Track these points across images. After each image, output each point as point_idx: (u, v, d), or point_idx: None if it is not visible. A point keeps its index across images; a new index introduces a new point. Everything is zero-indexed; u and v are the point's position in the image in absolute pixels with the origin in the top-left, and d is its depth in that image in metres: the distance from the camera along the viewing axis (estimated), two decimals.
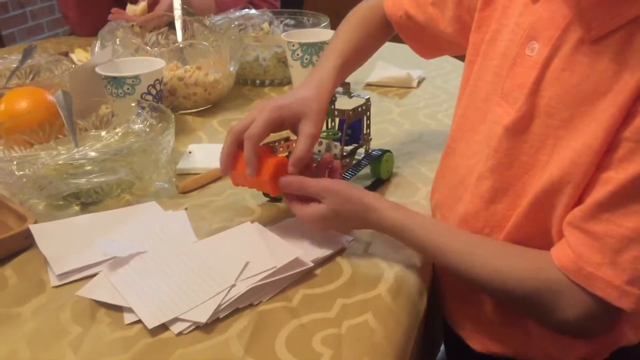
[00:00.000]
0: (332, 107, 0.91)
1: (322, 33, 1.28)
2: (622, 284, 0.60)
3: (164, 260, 0.73)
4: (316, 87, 0.82)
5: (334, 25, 1.37)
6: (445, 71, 1.42)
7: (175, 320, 0.65)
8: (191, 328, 0.64)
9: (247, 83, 1.36)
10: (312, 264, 0.72)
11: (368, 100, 0.92)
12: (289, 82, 1.32)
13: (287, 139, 0.82)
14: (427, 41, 0.93)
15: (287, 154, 0.81)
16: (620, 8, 0.60)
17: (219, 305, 0.66)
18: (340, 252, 0.77)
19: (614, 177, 0.60)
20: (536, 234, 0.69)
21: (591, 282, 0.62)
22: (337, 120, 0.93)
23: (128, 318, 0.66)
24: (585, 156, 0.62)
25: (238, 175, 0.78)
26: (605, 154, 0.61)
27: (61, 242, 0.77)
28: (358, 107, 0.90)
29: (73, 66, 1.21)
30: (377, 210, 0.73)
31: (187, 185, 0.92)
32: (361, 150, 0.93)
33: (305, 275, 0.72)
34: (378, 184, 0.93)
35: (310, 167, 0.81)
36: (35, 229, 0.78)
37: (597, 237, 0.61)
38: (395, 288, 0.70)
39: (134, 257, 0.74)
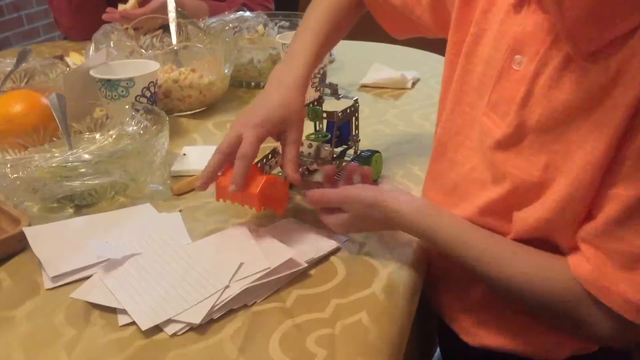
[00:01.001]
0: (319, 108, 0.91)
1: None
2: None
3: (158, 262, 0.73)
4: (293, 86, 0.82)
5: None
6: (440, 72, 1.40)
7: (169, 321, 0.65)
8: (185, 329, 0.64)
9: (242, 85, 1.36)
10: (306, 265, 0.72)
11: (356, 101, 0.92)
12: None
13: (274, 153, 0.83)
14: (400, 22, 0.93)
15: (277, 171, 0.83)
16: (605, 26, 0.59)
17: (213, 306, 0.66)
18: (334, 252, 0.77)
19: (623, 195, 0.60)
20: (539, 245, 0.69)
21: (608, 296, 0.62)
22: (325, 122, 0.93)
23: (122, 320, 0.66)
24: (588, 173, 0.61)
25: (222, 191, 0.78)
26: (610, 170, 0.61)
27: (55, 245, 0.77)
28: (347, 108, 0.90)
29: (67, 69, 1.21)
30: (397, 212, 0.73)
31: (182, 187, 0.92)
32: (350, 152, 0.93)
33: (300, 276, 0.72)
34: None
35: (332, 179, 0.83)
36: (29, 232, 0.78)
37: (611, 253, 0.62)
38: (389, 287, 0.70)
39: (128, 258, 0.74)
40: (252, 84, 1.35)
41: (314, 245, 0.77)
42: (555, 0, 0.60)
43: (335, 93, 0.91)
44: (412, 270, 0.75)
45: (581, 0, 0.59)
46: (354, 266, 0.74)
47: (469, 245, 0.71)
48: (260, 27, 1.44)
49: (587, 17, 0.59)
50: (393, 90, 1.34)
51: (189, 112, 1.20)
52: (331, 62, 1.48)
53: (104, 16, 1.44)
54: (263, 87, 1.32)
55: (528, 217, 0.68)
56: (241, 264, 0.71)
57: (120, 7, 1.45)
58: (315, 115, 0.91)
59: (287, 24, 1.47)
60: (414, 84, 1.36)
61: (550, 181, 0.65)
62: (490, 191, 0.71)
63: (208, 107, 1.23)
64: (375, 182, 0.94)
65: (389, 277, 0.72)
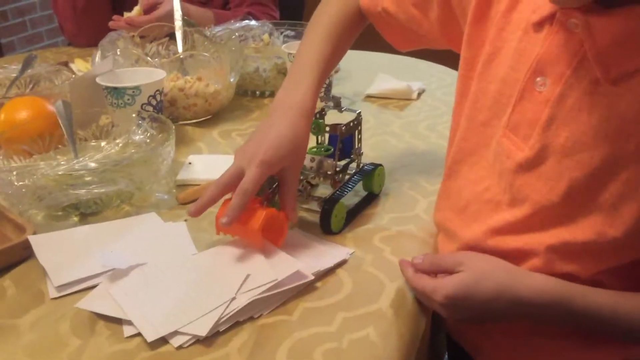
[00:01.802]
0: (322, 121, 0.89)
1: None
2: None
3: (164, 273, 0.73)
4: (301, 119, 0.79)
5: None
6: (446, 83, 1.42)
7: (175, 333, 0.64)
8: (191, 341, 0.64)
9: (247, 94, 1.36)
10: (312, 277, 0.72)
11: (359, 114, 0.90)
12: None
13: (271, 184, 0.80)
14: (405, 35, 0.92)
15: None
16: (637, 52, 0.59)
17: (219, 319, 0.65)
18: (341, 264, 0.76)
19: None
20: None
21: None
22: (327, 135, 0.91)
23: (127, 331, 0.65)
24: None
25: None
26: None
27: (60, 254, 0.77)
28: (350, 122, 0.88)
29: (73, 76, 1.21)
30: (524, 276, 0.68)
31: (187, 196, 0.91)
32: (352, 165, 0.91)
33: (306, 288, 0.72)
34: (371, 198, 0.92)
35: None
36: (35, 240, 0.78)
37: None
38: (396, 302, 0.70)
39: (134, 268, 0.74)
40: (258, 92, 1.35)
41: (320, 257, 0.77)
42: (584, 24, 0.60)
43: (338, 106, 0.90)
44: None
45: (612, 24, 0.59)
46: (361, 279, 0.74)
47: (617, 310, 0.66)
48: (265, 36, 1.44)
49: (618, 41, 0.59)
50: (398, 101, 1.34)
51: (194, 121, 1.20)
52: (336, 71, 1.48)
53: (110, 24, 1.44)
54: (268, 96, 1.35)
55: (549, 241, 0.67)
56: (248, 275, 0.70)
57: (126, 14, 1.45)
58: (318, 129, 0.89)
59: (293, 33, 1.47)
60: (419, 94, 1.36)
61: (571, 207, 0.64)
62: (505, 212, 0.70)
63: (213, 116, 1.23)
64: (377, 195, 0.93)
65: (397, 291, 0.72)
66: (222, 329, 0.65)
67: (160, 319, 0.65)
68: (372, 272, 0.75)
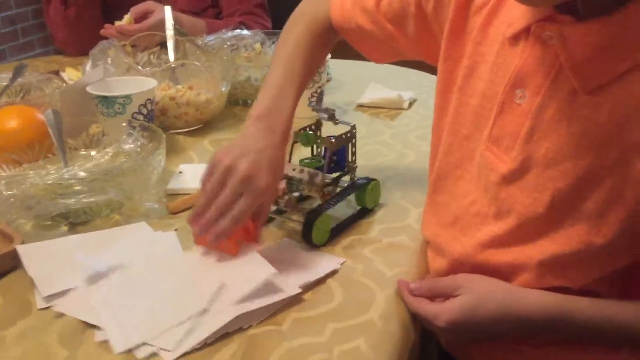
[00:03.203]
0: (312, 134, 0.88)
1: None
2: None
3: (143, 280, 0.73)
4: (279, 137, 0.78)
5: None
6: None
7: (143, 344, 0.63)
8: (156, 355, 0.63)
9: (239, 103, 1.36)
10: (299, 290, 0.71)
11: (353, 127, 0.88)
12: None
13: None
14: (382, 50, 0.92)
15: None
16: (615, 58, 0.59)
17: (191, 330, 0.65)
18: (331, 274, 0.76)
19: None
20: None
21: None
22: (322, 147, 0.90)
23: (99, 336, 0.65)
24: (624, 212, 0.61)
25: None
26: None
27: (48, 263, 0.76)
28: (342, 134, 0.86)
29: (64, 85, 1.21)
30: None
31: (178, 206, 0.91)
32: (346, 179, 0.90)
33: (296, 298, 0.71)
34: (364, 213, 0.91)
35: None
36: (23, 250, 0.77)
37: None
38: (387, 312, 0.70)
39: (114, 272, 0.73)
40: (249, 101, 1.35)
41: (311, 267, 0.76)
42: (559, 36, 0.61)
43: (332, 118, 0.88)
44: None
45: (587, 34, 0.59)
46: (351, 289, 0.74)
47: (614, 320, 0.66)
48: (257, 45, 1.43)
49: (594, 51, 0.59)
50: (389, 110, 1.34)
51: (185, 130, 1.20)
52: (328, 81, 1.48)
53: (101, 32, 1.44)
54: None
55: (537, 253, 0.67)
56: (221, 285, 0.70)
57: (117, 23, 1.45)
58: (307, 141, 0.88)
59: None
60: (410, 104, 1.37)
61: (556, 218, 0.64)
62: (492, 225, 0.70)
63: (205, 125, 1.22)
64: (371, 211, 0.92)
65: (387, 301, 0.71)
66: (210, 340, 0.64)
67: (131, 329, 0.65)
68: (363, 281, 0.75)
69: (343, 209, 0.90)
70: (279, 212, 0.88)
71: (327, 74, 1.44)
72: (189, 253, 0.78)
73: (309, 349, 0.64)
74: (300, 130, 0.87)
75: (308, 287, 0.73)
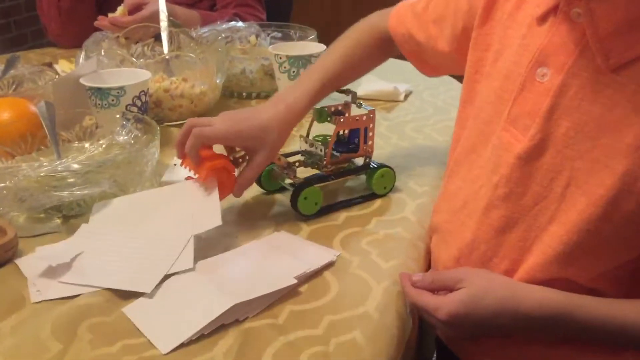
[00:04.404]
0: (325, 110, 0.91)
1: (309, 46, 1.27)
2: None
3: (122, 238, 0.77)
4: (286, 109, 0.84)
5: (321, 39, 1.37)
6: (433, 85, 1.42)
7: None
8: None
9: (234, 95, 1.35)
10: (294, 281, 0.71)
11: (371, 112, 0.91)
12: None
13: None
14: (427, 59, 0.94)
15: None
16: (638, 38, 0.59)
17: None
18: (327, 266, 0.76)
19: None
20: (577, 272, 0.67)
21: None
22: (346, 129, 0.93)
23: (34, 296, 0.69)
24: (615, 194, 0.61)
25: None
26: None
27: (44, 259, 0.75)
28: (355, 116, 0.90)
29: (57, 77, 1.20)
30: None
31: None
32: (358, 160, 0.93)
33: (292, 291, 0.71)
34: (369, 197, 0.92)
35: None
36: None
37: None
38: (383, 304, 0.69)
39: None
40: (244, 94, 1.34)
41: (306, 258, 0.76)
42: (587, 11, 0.61)
43: (354, 100, 0.93)
44: None
45: (615, 10, 0.59)
46: (348, 281, 0.73)
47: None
48: (252, 38, 1.43)
49: (621, 28, 0.59)
50: (385, 103, 1.33)
51: (179, 122, 1.19)
52: None
53: (95, 23, 1.43)
54: (255, 97, 1.34)
55: (547, 237, 0.66)
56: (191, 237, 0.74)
57: (110, 15, 1.44)
58: (320, 116, 0.92)
59: (279, 34, 1.46)
60: (406, 96, 1.36)
61: (570, 200, 0.64)
62: (502, 209, 0.70)
63: (199, 117, 1.21)
64: (380, 196, 0.93)
65: (384, 293, 0.71)
66: (206, 331, 0.64)
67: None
68: (359, 274, 0.75)
69: (349, 191, 0.94)
70: (293, 185, 0.89)
71: None
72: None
73: (305, 342, 0.63)
74: (324, 108, 0.92)
75: (304, 279, 0.73)
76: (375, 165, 0.92)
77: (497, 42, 0.74)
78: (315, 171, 0.92)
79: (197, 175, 0.82)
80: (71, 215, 0.85)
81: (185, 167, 0.84)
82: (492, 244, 0.72)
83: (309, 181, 0.87)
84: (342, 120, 0.88)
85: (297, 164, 0.93)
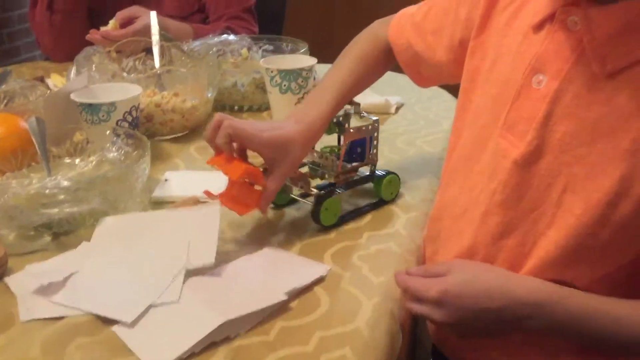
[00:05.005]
0: (334, 121, 0.92)
1: (300, 59, 1.27)
2: None
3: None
4: (308, 128, 0.84)
5: (312, 52, 1.37)
6: (425, 97, 1.42)
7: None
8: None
9: (226, 108, 1.35)
10: (285, 297, 0.70)
11: (375, 121, 0.93)
12: (267, 108, 1.31)
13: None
14: (423, 70, 0.95)
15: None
16: (634, 45, 0.60)
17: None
18: (318, 281, 0.76)
19: None
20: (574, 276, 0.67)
21: None
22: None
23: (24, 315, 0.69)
24: (611, 198, 0.61)
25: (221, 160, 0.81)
26: None
27: (33, 277, 0.75)
28: (362, 126, 0.91)
29: (48, 92, 1.20)
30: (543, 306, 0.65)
31: None
32: (364, 169, 0.95)
33: (283, 307, 0.71)
34: (379, 205, 0.94)
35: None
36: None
37: None
38: (373, 320, 0.69)
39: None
40: (236, 107, 1.34)
41: (297, 273, 0.76)
42: (584, 18, 0.62)
43: (357, 112, 0.94)
44: (398, 301, 0.74)
45: (612, 17, 0.61)
46: (338, 297, 0.73)
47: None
48: (244, 51, 1.43)
49: (618, 34, 0.61)
50: (377, 115, 1.33)
51: (171, 136, 1.19)
52: (315, 86, 1.47)
53: (87, 37, 1.43)
54: (246, 110, 1.34)
55: (545, 242, 0.67)
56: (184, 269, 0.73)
57: (102, 28, 1.44)
58: (329, 128, 0.92)
59: (271, 47, 1.47)
60: (397, 109, 1.36)
61: (567, 205, 0.65)
62: (501, 215, 0.70)
63: (190, 131, 1.21)
64: (388, 202, 0.95)
65: (374, 309, 0.71)
66: (197, 349, 0.64)
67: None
68: (350, 290, 0.75)
69: (362, 200, 0.95)
70: (303, 196, 0.91)
71: (314, 79, 1.44)
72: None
73: (296, 359, 0.63)
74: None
75: (295, 295, 0.73)
76: (383, 173, 0.94)
77: (493, 51, 0.75)
78: (320, 182, 0.92)
79: (227, 175, 0.80)
80: (61, 232, 0.85)
81: (213, 165, 0.82)
82: (491, 249, 0.72)
83: (329, 192, 0.87)
84: (351, 130, 0.90)
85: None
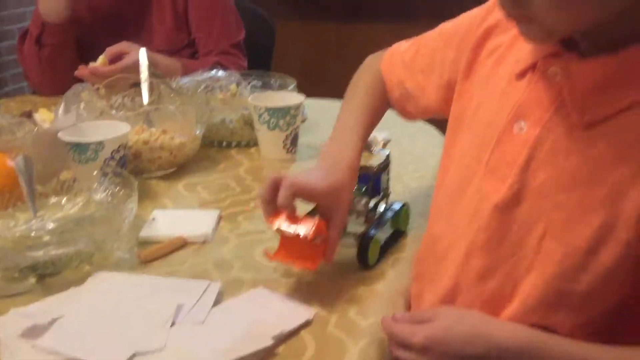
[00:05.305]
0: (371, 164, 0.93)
1: (289, 96, 1.29)
2: None
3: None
4: (348, 170, 0.84)
5: (300, 86, 1.39)
6: (412, 132, 1.43)
7: None
8: None
9: (214, 144, 1.35)
10: (271, 342, 0.70)
11: (388, 156, 0.95)
12: (256, 144, 1.32)
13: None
14: (411, 106, 0.96)
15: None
16: (614, 95, 0.62)
17: None
18: (305, 325, 0.75)
19: None
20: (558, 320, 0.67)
21: None
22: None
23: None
24: (589, 243, 0.62)
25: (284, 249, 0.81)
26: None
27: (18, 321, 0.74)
28: (380, 163, 0.93)
29: (36, 129, 1.19)
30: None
31: (150, 254, 0.89)
32: (382, 204, 0.95)
33: (269, 352, 0.70)
34: (398, 236, 0.96)
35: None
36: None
37: None
38: None
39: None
40: (224, 143, 1.35)
41: (283, 317, 0.76)
42: (564, 70, 0.64)
43: (369, 148, 0.95)
44: (384, 345, 0.73)
45: (590, 71, 0.62)
46: (324, 341, 0.73)
47: None
48: (233, 86, 1.44)
49: (597, 87, 0.62)
50: (364, 151, 1.34)
51: (159, 173, 1.19)
52: (303, 121, 1.48)
53: (76, 73, 1.44)
54: (235, 146, 1.34)
55: (526, 286, 0.67)
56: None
57: (91, 64, 1.45)
58: None
59: (260, 83, 1.47)
60: (385, 144, 1.37)
61: (547, 250, 0.65)
62: (482, 257, 0.71)
63: (179, 168, 1.22)
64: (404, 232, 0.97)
65: (360, 353, 0.71)
66: None
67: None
68: (336, 332, 0.74)
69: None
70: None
71: (303, 114, 1.45)
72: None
73: None
74: None
75: (281, 339, 0.72)
76: (400, 205, 0.96)
77: (478, 95, 0.77)
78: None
79: (300, 234, 0.78)
80: (46, 274, 0.84)
81: (275, 228, 0.79)
82: (473, 291, 0.72)
83: (370, 233, 0.88)
84: (375, 169, 0.91)
85: None
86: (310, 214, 0.85)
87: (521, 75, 0.70)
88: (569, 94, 0.64)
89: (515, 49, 0.74)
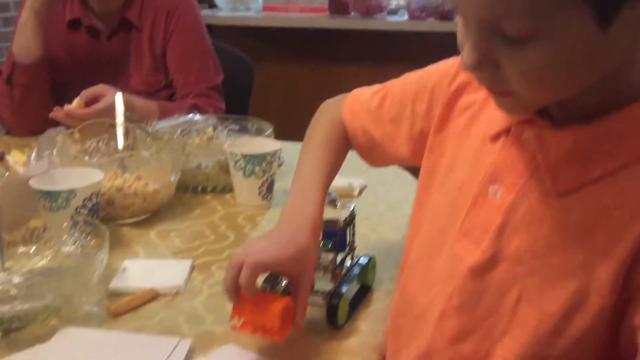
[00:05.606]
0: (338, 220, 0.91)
1: (265, 143, 1.29)
2: None
3: None
4: (312, 229, 0.81)
5: (278, 129, 1.39)
6: (387, 179, 1.44)
7: None
8: None
9: (189, 189, 1.34)
10: None
11: (353, 210, 0.93)
12: (231, 189, 1.31)
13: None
14: (377, 154, 0.95)
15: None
16: (585, 165, 0.62)
17: None
18: None
19: None
20: None
21: None
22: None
23: None
24: (563, 309, 0.62)
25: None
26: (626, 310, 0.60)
27: None
28: (346, 217, 0.91)
29: (6, 174, 1.18)
30: None
31: (121, 307, 0.87)
32: (347, 259, 0.93)
33: None
34: (366, 290, 0.94)
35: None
36: None
37: None
38: None
39: None
40: (199, 188, 1.34)
41: None
42: (537, 137, 0.64)
43: (333, 202, 0.93)
44: None
45: (563, 140, 0.63)
46: None
47: None
48: (209, 130, 1.43)
49: (570, 156, 0.62)
50: (340, 198, 1.34)
51: (131, 220, 1.17)
52: (280, 165, 1.48)
53: (51, 115, 1.42)
54: (210, 191, 1.33)
55: (501, 350, 0.66)
56: None
57: (66, 106, 1.43)
58: None
59: (237, 127, 1.47)
60: (360, 191, 1.37)
61: (522, 314, 0.65)
62: (457, 319, 0.70)
63: (152, 214, 1.20)
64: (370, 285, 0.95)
65: None
66: None
67: None
68: None
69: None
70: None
71: (279, 159, 1.45)
72: None
73: None
74: None
75: None
76: (366, 259, 0.94)
77: (451, 152, 0.77)
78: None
79: (267, 326, 0.76)
80: (12, 329, 0.82)
81: (239, 320, 0.77)
82: (448, 353, 0.71)
83: (338, 291, 0.85)
84: (341, 224, 0.89)
85: None
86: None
87: (495, 138, 0.71)
88: (542, 160, 0.64)
89: (488, 108, 0.74)
